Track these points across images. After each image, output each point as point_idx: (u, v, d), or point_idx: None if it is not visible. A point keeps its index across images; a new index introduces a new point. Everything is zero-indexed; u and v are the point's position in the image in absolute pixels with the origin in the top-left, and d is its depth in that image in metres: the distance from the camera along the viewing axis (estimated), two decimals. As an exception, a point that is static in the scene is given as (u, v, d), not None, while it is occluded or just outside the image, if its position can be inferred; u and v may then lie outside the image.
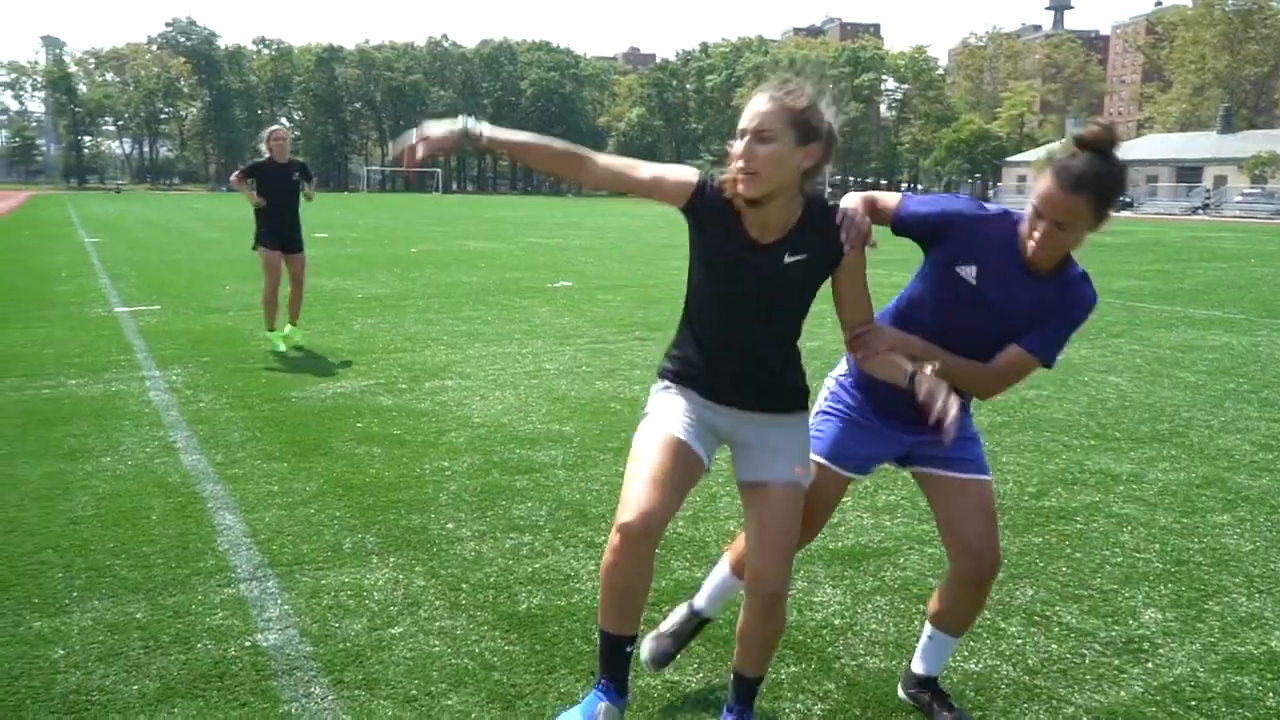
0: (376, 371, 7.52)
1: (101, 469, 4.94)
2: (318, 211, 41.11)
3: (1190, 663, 3.15)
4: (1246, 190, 65.28)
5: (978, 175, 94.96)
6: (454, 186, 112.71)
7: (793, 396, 2.52)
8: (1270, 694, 2.97)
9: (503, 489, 4.74)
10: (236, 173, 8.49)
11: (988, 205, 2.52)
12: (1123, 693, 2.95)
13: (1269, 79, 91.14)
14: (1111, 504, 4.67)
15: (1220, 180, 69.95)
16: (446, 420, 6.04)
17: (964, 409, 2.60)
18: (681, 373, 2.52)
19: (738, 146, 2.24)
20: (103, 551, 3.88)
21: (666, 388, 2.55)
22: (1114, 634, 3.33)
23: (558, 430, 5.85)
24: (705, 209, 2.37)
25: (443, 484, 4.79)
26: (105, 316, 10.31)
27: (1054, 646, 3.24)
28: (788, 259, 2.33)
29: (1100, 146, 2.29)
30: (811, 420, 2.68)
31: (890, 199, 2.55)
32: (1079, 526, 4.36)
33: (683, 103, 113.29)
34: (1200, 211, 63.58)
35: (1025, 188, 79.62)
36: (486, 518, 4.34)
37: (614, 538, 2.28)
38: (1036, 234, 2.34)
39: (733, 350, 2.45)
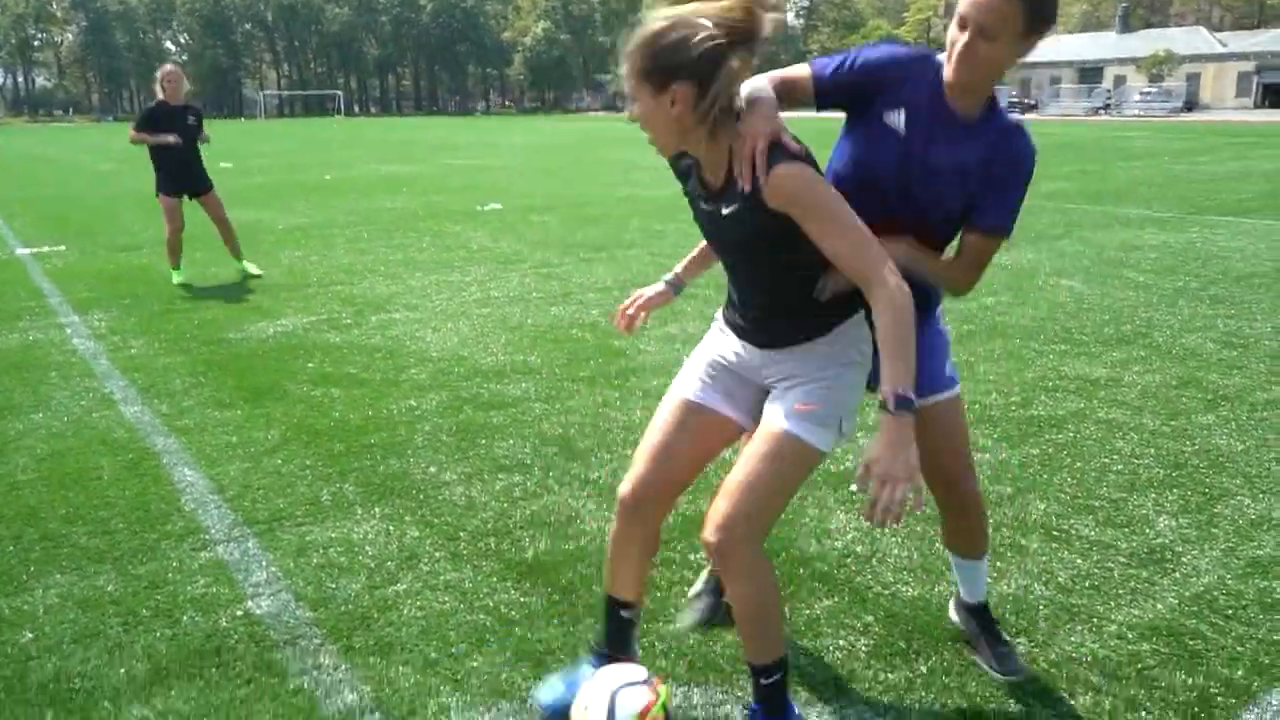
0: (316, 307, 7.12)
1: (35, 426, 4.54)
2: (217, 141, 39.23)
3: (1216, 570, 3.11)
4: (1144, 89, 66.80)
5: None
6: (355, 109, 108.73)
7: (814, 326, 2.14)
8: (1300, 596, 2.95)
9: (479, 426, 4.49)
10: (133, 132, 7.92)
11: (908, 46, 2.29)
12: (1159, 605, 2.90)
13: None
14: (1096, 410, 4.64)
15: (1120, 80, 71.39)
16: (402, 356, 5.73)
17: (931, 317, 2.41)
18: (725, 315, 2.33)
19: None
20: (55, 518, 3.54)
21: (716, 325, 2.37)
22: (1135, 544, 3.29)
23: (522, 361, 5.59)
24: (681, 163, 2.16)
25: (415, 424, 4.52)
26: (6, 259, 9.59)
27: (1079, 561, 3.18)
28: (724, 210, 2.05)
29: None
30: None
31: (799, 71, 2.22)
32: (1071, 435, 4.32)
33: (589, 15, 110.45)
34: (1102, 111, 64.86)
35: (933, 93, 79.99)
36: (469, 458, 4.10)
37: (617, 504, 2.31)
38: (957, 47, 2.07)
39: (744, 295, 2.22)
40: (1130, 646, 2.69)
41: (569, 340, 6.05)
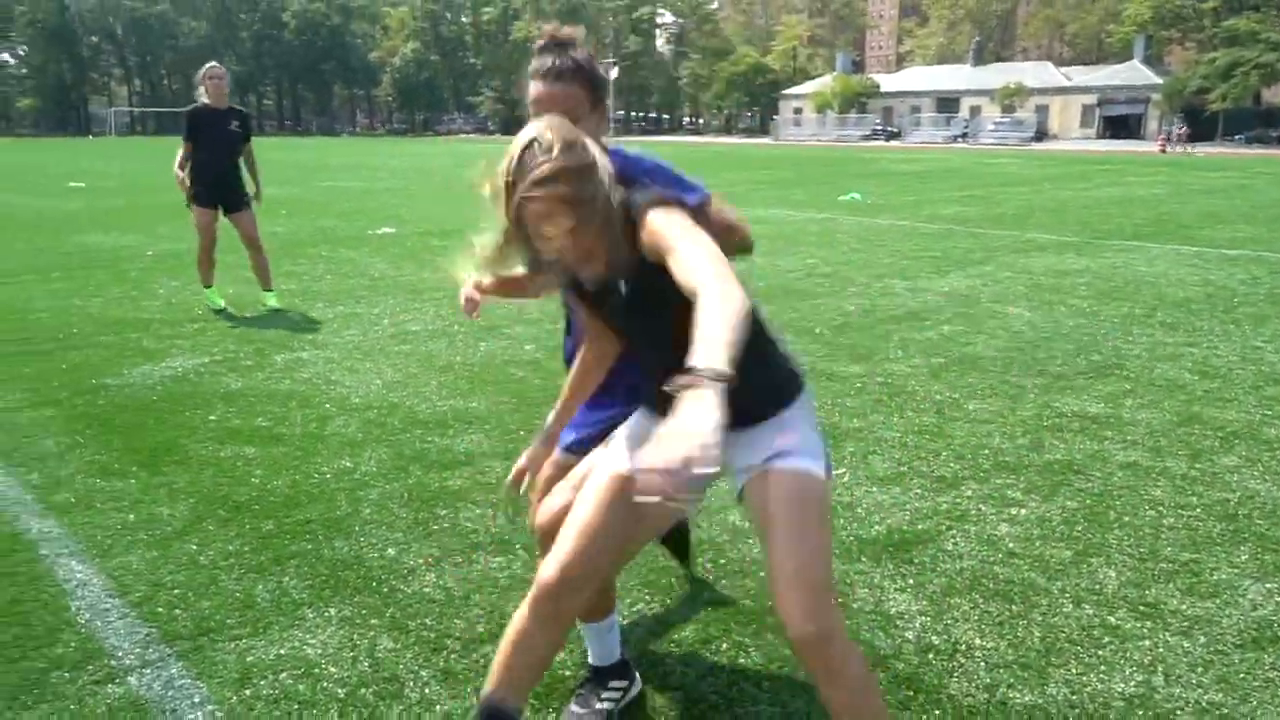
0: (208, 345, 6.23)
1: None
2: (64, 158, 36.52)
3: (1339, 648, 2.71)
4: (998, 119, 70.09)
5: (756, 108, 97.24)
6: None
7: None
8: None
9: (435, 493, 3.79)
10: (179, 158, 7.09)
11: None
12: (1304, 701, 2.46)
13: (1011, 14, 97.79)
14: (1113, 452, 4.27)
15: (975, 110, 74.73)
16: (321, 404, 4.95)
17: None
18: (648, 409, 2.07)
19: None
20: (-103, 643, 2.69)
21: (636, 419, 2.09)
22: (1235, 619, 2.86)
23: (464, 407, 4.89)
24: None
25: (356, 492, 3.78)
26: None
27: (1186, 644, 2.72)
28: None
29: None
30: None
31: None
32: (1100, 483, 3.92)
33: (459, 36, 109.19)
34: (960, 140, 67.61)
35: (801, 119, 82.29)
36: (432, 535, 3.41)
37: (532, 589, 1.92)
38: None
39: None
40: (1305, 763, 2.24)
41: (510, 381, 5.38)
